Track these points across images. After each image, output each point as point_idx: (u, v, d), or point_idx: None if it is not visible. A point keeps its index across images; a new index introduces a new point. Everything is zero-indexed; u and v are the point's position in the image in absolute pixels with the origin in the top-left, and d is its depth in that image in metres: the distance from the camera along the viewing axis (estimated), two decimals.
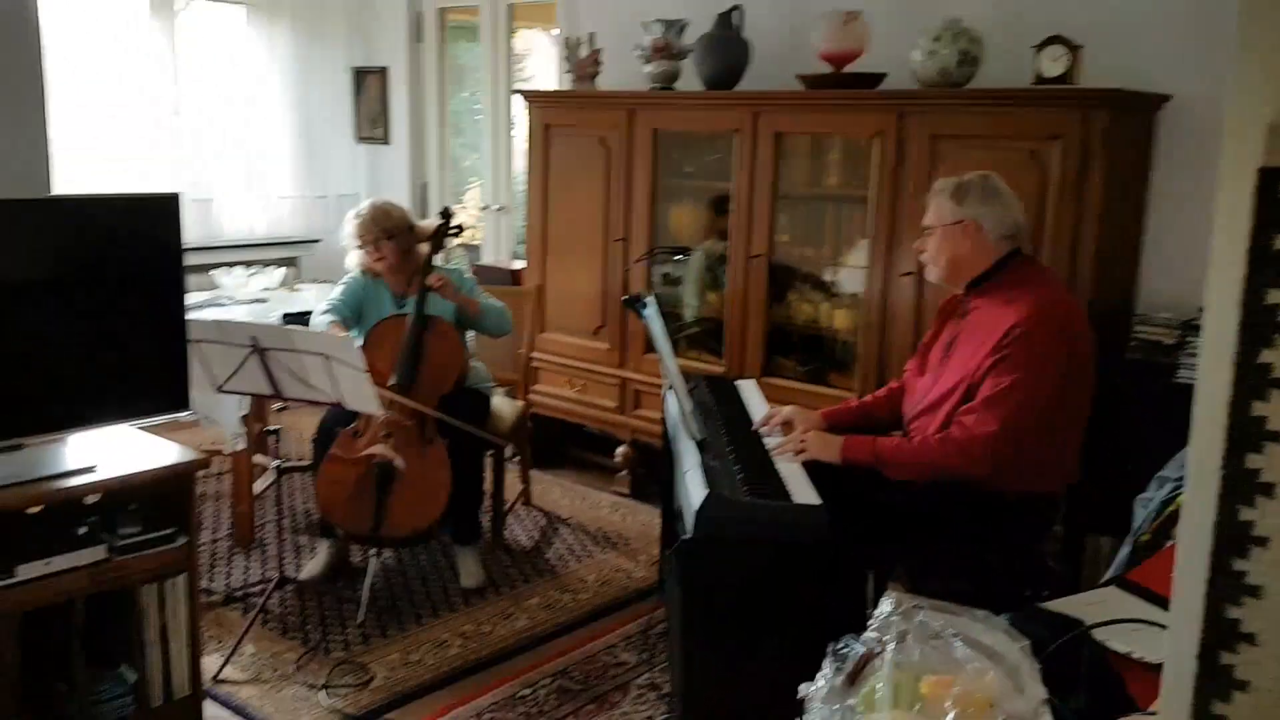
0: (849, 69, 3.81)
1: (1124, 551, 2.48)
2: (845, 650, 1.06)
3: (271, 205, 5.84)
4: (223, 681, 2.95)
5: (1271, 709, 0.89)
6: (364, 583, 3.43)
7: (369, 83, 6.07)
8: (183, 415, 3.09)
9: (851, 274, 3.85)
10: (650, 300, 3.02)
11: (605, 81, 4.57)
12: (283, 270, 4.89)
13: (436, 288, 3.52)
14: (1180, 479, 2.45)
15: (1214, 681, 0.91)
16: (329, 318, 3.58)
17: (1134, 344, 3.34)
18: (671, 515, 3.12)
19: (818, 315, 4.00)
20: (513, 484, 4.28)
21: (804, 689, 1.10)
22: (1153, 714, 1.32)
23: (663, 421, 3.39)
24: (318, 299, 4.10)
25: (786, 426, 2.84)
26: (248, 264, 4.74)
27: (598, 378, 4.56)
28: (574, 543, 4.01)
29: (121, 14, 5.23)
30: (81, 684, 2.47)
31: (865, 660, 1.04)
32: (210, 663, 2.98)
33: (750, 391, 3.31)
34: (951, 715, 0.98)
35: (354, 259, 3.75)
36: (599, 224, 4.45)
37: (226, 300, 4.41)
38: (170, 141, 5.39)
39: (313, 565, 3.61)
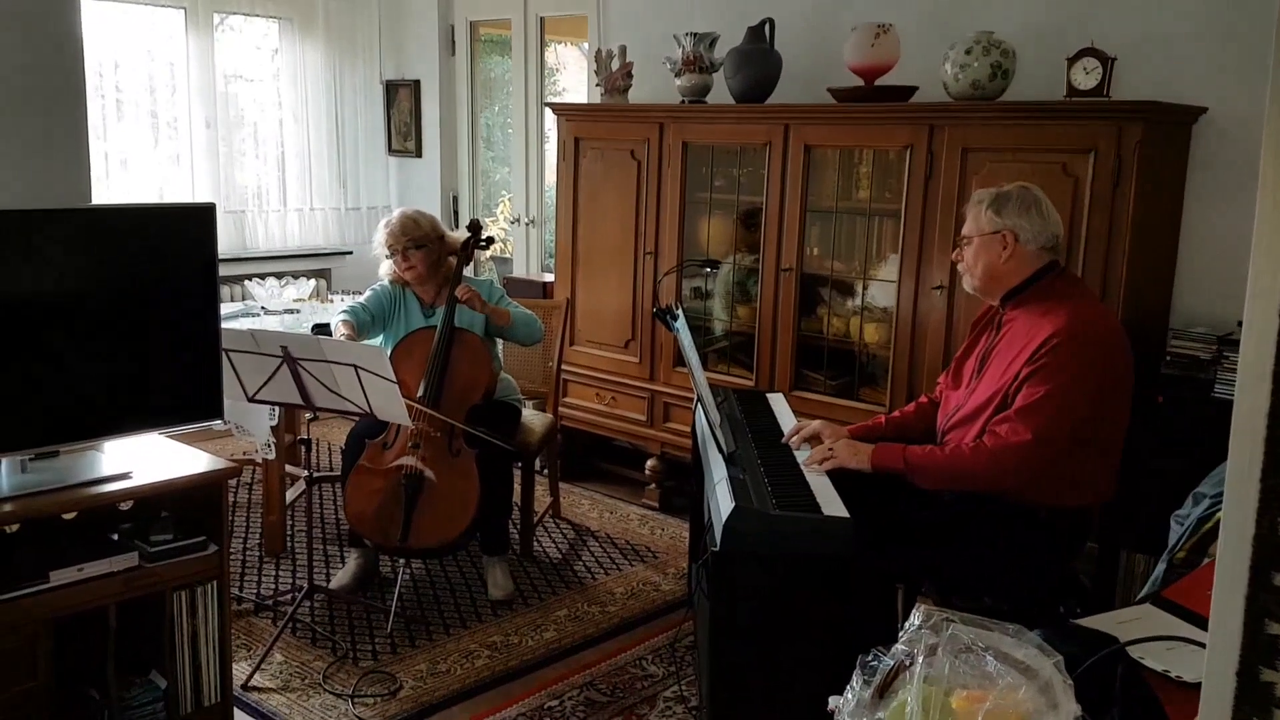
0: (880, 82, 3.80)
1: (1159, 569, 2.44)
2: (874, 663, 1.05)
3: (304, 217, 5.90)
4: (252, 689, 2.96)
5: None
6: (393, 593, 3.44)
7: (401, 96, 6.13)
8: (215, 424, 3.12)
9: (882, 288, 3.83)
10: (680, 313, 3.02)
11: (636, 95, 4.59)
12: (314, 281, 4.93)
13: (464, 300, 3.54)
14: (1217, 495, 2.41)
15: (1253, 699, 0.89)
16: (342, 317, 3.63)
17: (1169, 359, 3.30)
18: (701, 528, 3.11)
19: (848, 329, 3.98)
20: (542, 496, 4.28)
21: (833, 701, 1.09)
22: None
23: (692, 435, 3.38)
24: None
25: (814, 440, 2.83)
26: (280, 275, 4.79)
27: (627, 391, 4.56)
28: (602, 555, 4.01)
29: (159, 28, 5.32)
30: (113, 690, 2.49)
31: (895, 673, 1.03)
32: (240, 670, 3.00)
33: (780, 405, 3.30)
34: None
35: (385, 268, 3.78)
36: (629, 237, 4.46)
37: (259, 310, 4.45)
38: (205, 154, 5.47)
39: (342, 575, 3.62)
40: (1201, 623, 1.80)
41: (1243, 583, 0.89)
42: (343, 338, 3.48)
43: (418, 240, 3.66)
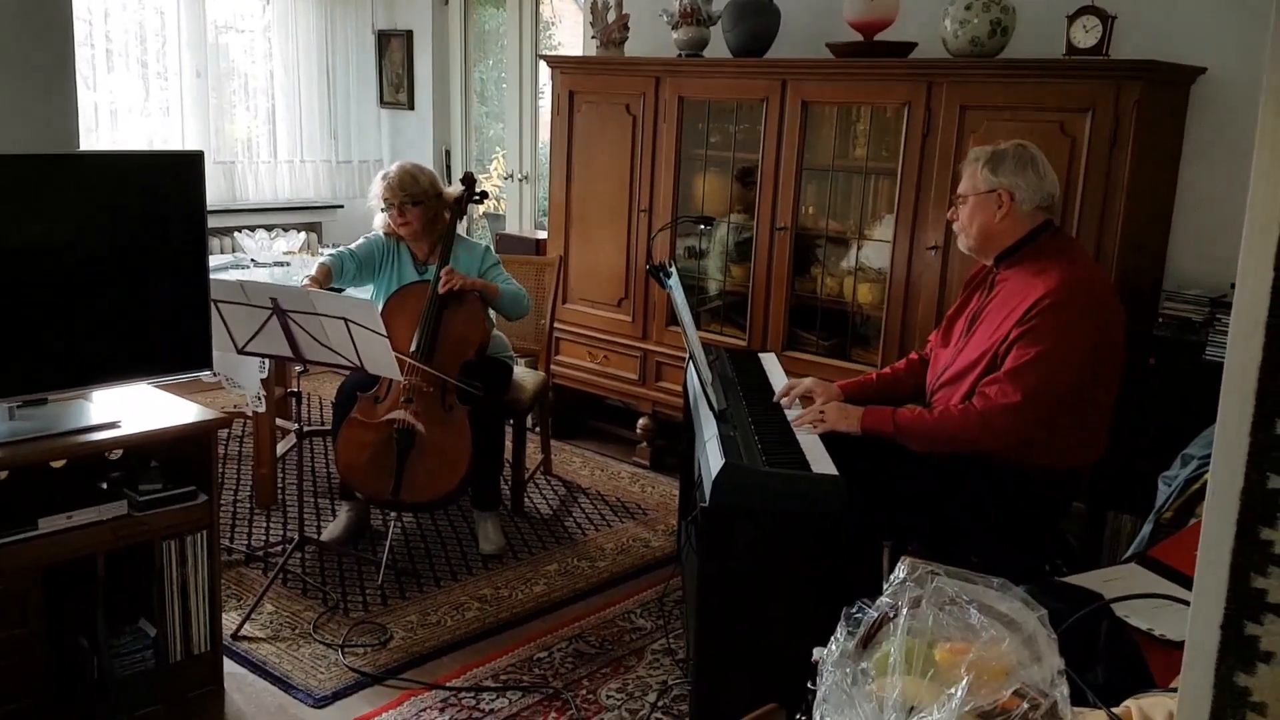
0: (879, 38, 3.76)
1: (1146, 529, 2.46)
2: (859, 615, 1.05)
3: (295, 169, 5.85)
4: (242, 638, 2.98)
5: None
6: (383, 545, 3.45)
7: (393, 47, 6.05)
8: (205, 376, 3.11)
9: (876, 248, 3.82)
10: (673, 270, 3.00)
11: (632, 48, 4.53)
12: (304, 235, 4.89)
13: (445, 289, 3.44)
14: (1205, 457, 2.42)
15: (1237, 652, 0.89)
16: (324, 258, 3.61)
17: (1162, 320, 3.29)
18: (691, 485, 3.12)
19: (841, 289, 3.97)
20: (533, 453, 4.29)
21: (817, 652, 1.10)
22: (1173, 690, 1.30)
23: (684, 393, 3.38)
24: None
25: (806, 398, 2.83)
26: (270, 227, 4.75)
27: (620, 349, 4.55)
28: (593, 512, 4.02)
29: None
30: (103, 638, 2.50)
31: (879, 625, 1.03)
32: (230, 620, 3.01)
33: (772, 364, 3.29)
34: (965, 682, 0.97)
35: (380, 220, 3.74)
36: (624, 194, 4.43)
37: (248, 262, 4.42)
38: (195, 105, 5.40)
39: (333, 527, 3.63)
40: (1186, 582, 1.81)
41: (1229, 536, 0.88)
42: (305, 281, 3.46)
43: (415, 197, 3.61)
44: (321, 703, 2.70)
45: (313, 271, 3.58)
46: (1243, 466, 0.87)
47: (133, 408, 2.54)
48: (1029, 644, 1.04)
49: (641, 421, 4.56)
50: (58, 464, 2.38)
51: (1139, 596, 1.80)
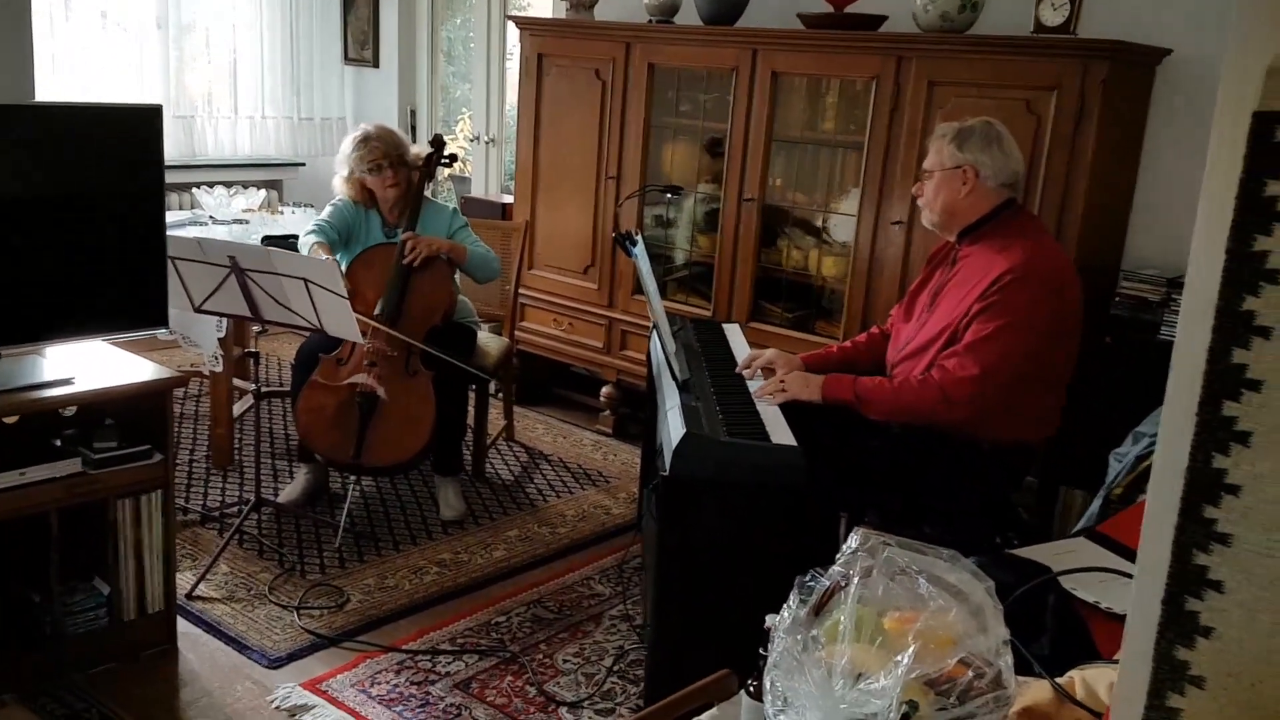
0: (850, 9, 3.75)
1: (1096, 504, 2.51)
2: (811, 583, 1.07)
3: (255, 125, 5.74)
4: (197, 598, 2.96)
5: (1235, 656, 0.90)
6: (342, 509, 3.44)
7: (359, 2, 5.94)
8: (161, 334, 3.07)
9: (842, 221, 3.83)
10: (639, 239, 2.99)
11: (603, 12, 4.49)
12: (265, 192, 4.82)
13: (410, 255, 3.38)
14: (1156, 435, 2.46)
15: (1178, 627, 0.91)
16: (314, 238, 3.49)
17: (1119, 300, 3.34)
18: (653, 454, 3.13)
19: (807, 262, 3.98)
20: (496, 419, 4.28)
21: (770, 620, 1.11)
22: (1116, 662, 1.33)
23: (648, 362, 3.39)
24: (301, 223, 4.05)
25: (768, 370, 2.84)
26: (229, 184, 4.67)
27: (585, 317, 4.54)
28: (554, 478, 4.03)
29: None
30: (55, 595, 2.48)
31: (830, 593, 1.05)
32: (185, 580, 2.99)
33: (736, 336, 3.30)
34: (912, 650, 0.98)
35: (341, 184, 3.66)
36: (591, 160, 4.40)
37: (207, 220, 4.35)
38: (155, 57, 5.28)
39: (291, 489, 3.61)
40: (1134, 557, 1.85)
41: (1173, 513, 0.90)
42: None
43: (402, 156, 3.54)
44: (276, 664, 2.70)
45: (322, 253, 3.40)
46: (1188, 445, 0.89)
47: (87, 364, 2.51)
48: (976, 614, 1.06)
49: (605, 389, 4.56)
50: (10, 420, 2.34)
51: (1086, 570, 1.84)
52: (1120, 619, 1.73)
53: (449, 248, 3.50)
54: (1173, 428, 0.90)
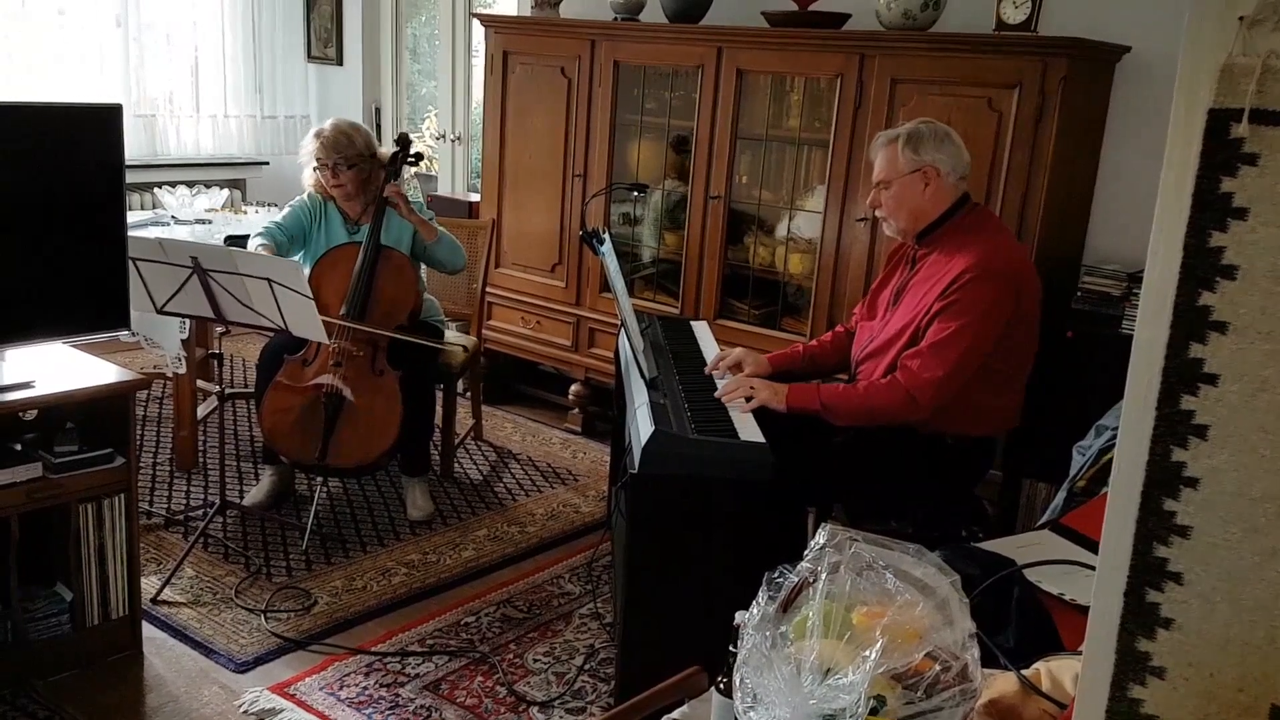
0: (814, 8, 3.77)
1: (1060, 497, 2.54)
2: (780, 579, 1.07)
3: (218, 124, 5.68)
4: (162, 603, 2.93)
5: (1195, 647, 0.91)
6: (308, 511, 3.41)
7: None
8: (123, 336, 3.03)
9: (808, 219, 3.85)
10: (606, 237, 2.99)
11: (568, 10, 4.48)
12: (228, 192, 4.77)
13: (393, 197, 3.40)
14: (1118, 428, 2.49)
15: (1139, 618, 0.93)
16: (260, 240, 3.46)
17: (1080, 295, 3.38)
18: (621, 452, 3.14)
19: (774, 259, 4.00)
20: (464, 419, 4.26)
21: (739, 616, 1.11)
22: (1079, 654, 1.35)
23: (616, 360, 3.39)
24: (264, 222, 4.00)
25: (736, 368, 2.85)
26: (191, 184, 4.61)
27: (553, 315, 4.53)
28: (523, 477, 4.02)
29: None
30: (15, 601, 2.44)
31: (798, 589, 1.06)
32: (149, 584, 2.96)
33: (704, 333, 3.31)
34: (880, 645, 0.99)
35: (309, 177, 3.63)
36: (558, 158, 4.39)
37: (169, 220, 4.29)
38: (114, 54, 5.21)
39: (256, 492, 3.57)
40: (1097, 549, 1.88)
41: (1134, 507, 0.92)
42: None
43: (350, 159, 3.49)
44: (243, 668, 2.67)
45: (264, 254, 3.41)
46: (1148, 439, 0.90)
47: (47, 368, 2.47)
48: (942, 608, 1.07)
49: (574, 387, 4.56)
50: None
51: (1050, 563, 1.86)
52: (1084, 611, 1.75)
53: (420, 221, 3.50)
54: (1132, 422, 0.91)
